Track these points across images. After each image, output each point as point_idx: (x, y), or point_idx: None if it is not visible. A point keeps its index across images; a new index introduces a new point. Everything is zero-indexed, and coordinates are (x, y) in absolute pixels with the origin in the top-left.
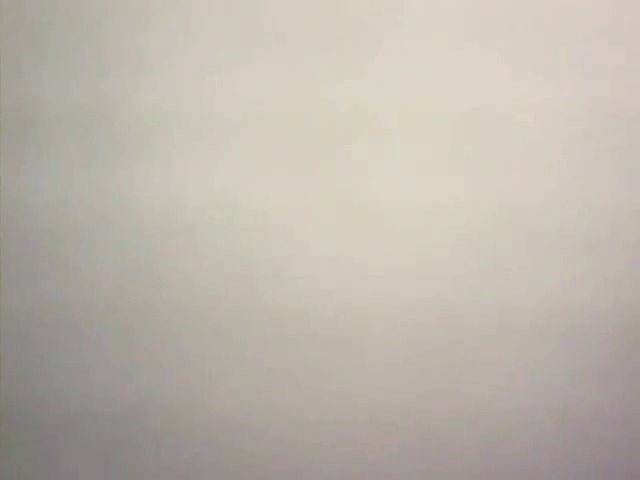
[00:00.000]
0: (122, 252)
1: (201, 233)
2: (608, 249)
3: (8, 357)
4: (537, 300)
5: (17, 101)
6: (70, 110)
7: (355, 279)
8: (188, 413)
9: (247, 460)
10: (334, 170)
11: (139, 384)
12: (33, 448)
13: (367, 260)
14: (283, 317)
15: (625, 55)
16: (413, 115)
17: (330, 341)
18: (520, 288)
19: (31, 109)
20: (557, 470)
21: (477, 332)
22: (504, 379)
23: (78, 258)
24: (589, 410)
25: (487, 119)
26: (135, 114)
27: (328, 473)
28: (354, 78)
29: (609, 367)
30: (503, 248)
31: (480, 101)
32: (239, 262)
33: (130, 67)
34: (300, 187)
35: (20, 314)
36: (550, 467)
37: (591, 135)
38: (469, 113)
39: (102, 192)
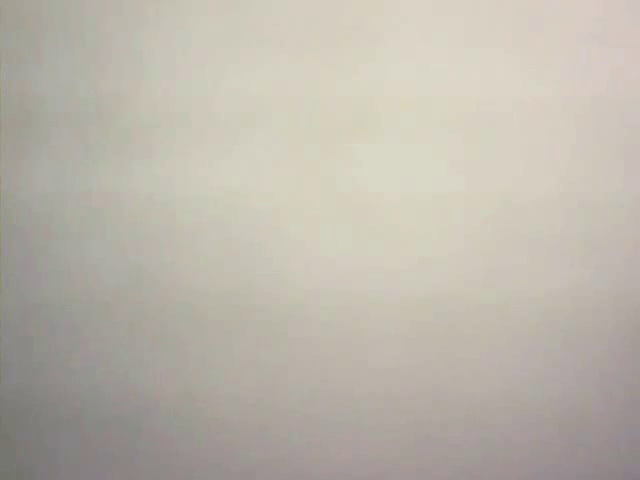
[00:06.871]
0: (122, 251)
1: (201, 232)
2: (608, 247)
3: (8, 357)
4: (537, 298)
5: (17, 101)
6: (70, 109)
7: (355, 277)
8: (188, 413)
9: (247, 460)
10: (334, 169)
11: (139, 383)
12: (33, 448)
13: (367, 258)
14: (283, 316)
15: (624, 55)
16: (413, 113)
17: (330, 340)
18: (520, 285)
19: (31, 108)
20: (557, 470)
21: (477, 329)
22: (504, 376)
23: (78, 257)
24: (589, 409)
25: (487, 117)
26: (135, 113)
27: (328, 472)
28: (354, 77)
29: (609, 366)
30: (503, 245)
31: (480, 99)
32: (239, 261)
33: (130, 67)
34: (300, 186)
35: (20, 314)
36: (550, 467)
37: (591, 133)
38: (469, 111)
39: (102, 191)
